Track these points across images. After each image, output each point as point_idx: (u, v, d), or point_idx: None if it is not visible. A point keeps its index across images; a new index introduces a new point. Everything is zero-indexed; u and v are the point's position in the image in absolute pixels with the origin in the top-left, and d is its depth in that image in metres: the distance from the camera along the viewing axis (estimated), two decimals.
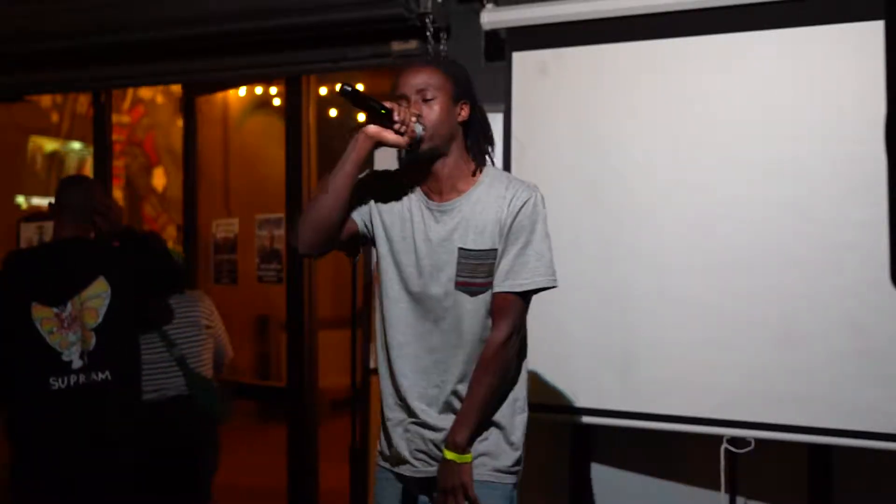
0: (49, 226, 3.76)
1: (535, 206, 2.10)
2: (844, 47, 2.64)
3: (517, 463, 2.15)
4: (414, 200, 2.17)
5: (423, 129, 2.08)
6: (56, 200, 2.92)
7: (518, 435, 2.16)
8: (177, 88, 6.97)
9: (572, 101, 2.96)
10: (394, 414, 2.19)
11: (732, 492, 2.88)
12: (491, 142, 2.21)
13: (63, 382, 2.74)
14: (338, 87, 2.05)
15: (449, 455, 2.07)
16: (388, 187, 2.20)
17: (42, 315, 2.76)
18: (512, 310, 2.10)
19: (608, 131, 2.91)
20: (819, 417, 2.62)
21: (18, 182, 5.96)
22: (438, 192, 2.15)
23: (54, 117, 6.47)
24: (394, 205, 2.19)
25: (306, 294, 4.12)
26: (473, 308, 2.11)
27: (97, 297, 2.82)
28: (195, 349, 3.29)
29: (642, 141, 2.87)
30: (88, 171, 5.37)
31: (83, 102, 6.29)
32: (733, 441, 2.76)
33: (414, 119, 2.06)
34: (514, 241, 2.08)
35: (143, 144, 7.20)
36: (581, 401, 2.90)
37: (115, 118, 4.96)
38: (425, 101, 2.10)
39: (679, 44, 2.83)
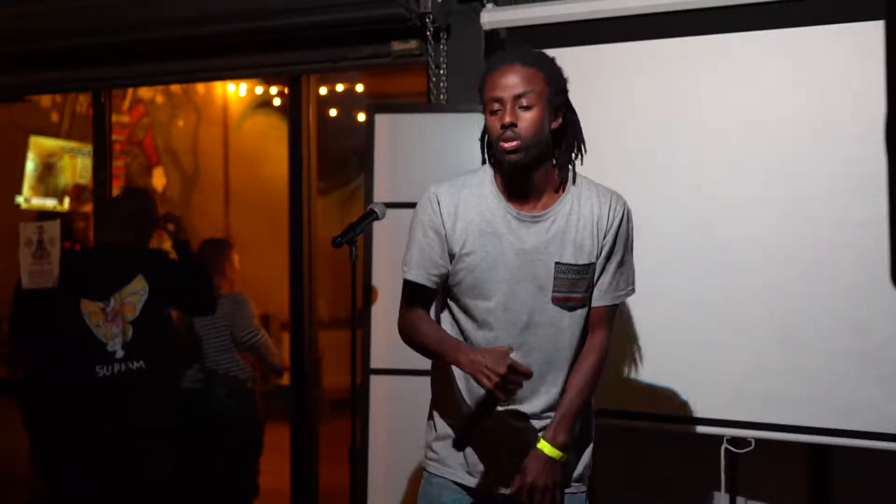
0: (48, 226, 4.21)
1: (629, 218, 2.11)
2: (844, 47, 2.64)
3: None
4: (497, 213, 2.05)
5: (510, 140, 1.97)
6: (107, 207, 3.38)
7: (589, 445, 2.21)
8: (176, 88, 6.98)
9: (572, 101, 2.95)
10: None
11: (732, 492, 2.88)
12: (581, 151, 2.12)
13: (107, 370, 3.10)
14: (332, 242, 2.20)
15: (548, 450, 2.02)
16: (462, 205, 2.07)
17: (90, 309, 3.13)
18: (611, 319, 2.13)
19: (608, 131, 2.91)
20: (819, 417, 2.62)
21: (18, 182, 5.96)
22: (528, 202, 2.06)
23: (54, 117, 6.46)
24: (473, 223, 2.06)
25: (307, 293, 4.12)
26: (572, 323, 2.08)
27: (135, 293, 3.17)
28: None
29: (642, 141, 2.87)
30: (88, 170, 5.37)
31: (83, 102, 6.28)
32: (733, 441, 2.76)
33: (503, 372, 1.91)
34: (616, 255, 2.08)
35: (142, 144, 7.19)
36: None
37: (115, 118, 4.95)
38: (522, 108, 1.98)
39: (679, 44, 2.83)
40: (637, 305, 2.85)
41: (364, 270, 3.41)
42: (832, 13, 2.65)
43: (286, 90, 4.19)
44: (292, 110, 4.06)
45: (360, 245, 2.83)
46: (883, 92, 2.57)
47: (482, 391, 2.04)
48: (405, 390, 3.15)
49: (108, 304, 3.15)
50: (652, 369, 2.82)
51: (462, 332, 2.13)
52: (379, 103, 5.07)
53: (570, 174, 2.10)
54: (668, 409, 2.81)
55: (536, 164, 2.03)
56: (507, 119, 1.97)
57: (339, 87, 5.24)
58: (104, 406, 3.07)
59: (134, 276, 3.15)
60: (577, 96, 2.97)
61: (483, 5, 3.16)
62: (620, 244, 2.08)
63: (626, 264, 2.11)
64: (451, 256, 2.08)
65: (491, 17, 3.10)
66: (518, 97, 1.98)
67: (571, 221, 2.05)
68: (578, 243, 2.04)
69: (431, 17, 3.29)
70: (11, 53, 4.08)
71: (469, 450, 2.14)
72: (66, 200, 5.84)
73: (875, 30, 2.58)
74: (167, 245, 3.62)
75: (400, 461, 3.15)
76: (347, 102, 5.85)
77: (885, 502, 2.82)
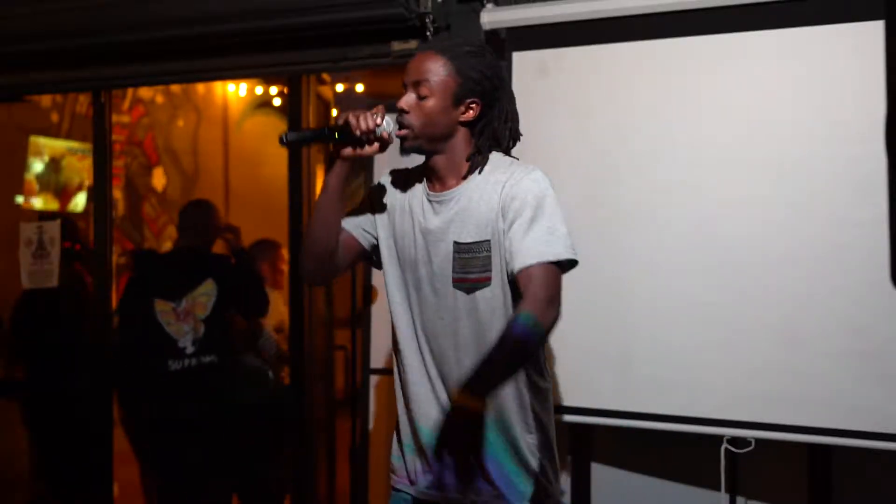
0: (48, 226, 4.40)
1: (536, 182, 1.93)
2: (844, 47, 2.64)
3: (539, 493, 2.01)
4: (418, 191, 2.05)
5: (407, 129, 1.94)
6: (179, 216, 3.78)
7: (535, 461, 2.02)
8: (176, 88, 6.98)
9: (572, 101, 2.96)
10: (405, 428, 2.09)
11: (732, 492, 2.88)
12: (507, 141, 2.05)
13: (178, 365, 3.50)
14: (281, 140, 2.00)
15: (457, 398, 1.73)
16: (397, 184, 2.10)
17: (162, 309, 3.53)
18: (536, 278, 1.85)
19: (608, 131, 2.91)
20: (819, 417, 2.62)
21: (19, 182, 5.96)
22: (439, 182, 2.03)
23: (54, 117, 6.46)
24: (398, 200, 2.08)
25: (307, 293, 4.12)
26: (469, 307, 1.97)
27: (206, 294, 3.56)
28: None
29: (642, 141, 2.87)
30: (88, 170, 5.37)
31: (83, 102, 6.28)
32: (733, 441, 2.76)
33: (380, 122, 1.92)
34: (518, 219, 1.90)
35: (142, 144, 7.19)
36: (581, 401, 2.90)
37: (115, 118, 4.95)
38: (419, 97, 1.97)
39: (679, 44, 2.83)
40: (637, 305, 2.85)
41: (364, 270, 3.41)
42: (832, 13, 2.65)
43: (286, 90, 4.19)
44: (292, 110, 4.06)
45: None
46: (883, 92, 2.56)
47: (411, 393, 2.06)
48: None
49: (180, 304, 3.54)
50: (652, 369, 2.82)
51: (391, 313, 2.13)
52: (379, 103, 5.06)
53: (480, 161, 2.01)
54: (668, 409, 2.81)
55: (436, 152, 2.01)
56: (399, 103, 1.98)
57: (339, 88, 5.23)
58: (178, 396, 3.46)
59: (205, 279, 3.55)
60: (578, 96, 2.99)
61: (483, 5, 3.16)
62: (523, 208, 1.90)
63: (541, 227, 1.89)
64: (377, 230, 2.13)
65: (491, 17, 3.10)
66: (416, 84, 1.98)
67: (474, 198, 1.97)
68: (478, 222, 1.96)
69: (431, 17, 3.29)
70: (11, 53, 4.08)
71: (409, 458, 2.10)
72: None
73: (875, 30, 2.58)
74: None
75: None
76: (347, 102, 5.84)
77: (885, 502, 2.82)
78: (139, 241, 6.88)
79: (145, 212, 7.21)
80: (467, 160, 2.02)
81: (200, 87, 7.17)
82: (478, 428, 1.69)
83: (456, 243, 1.98)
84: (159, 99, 7.15)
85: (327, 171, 2.02)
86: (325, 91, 4.83)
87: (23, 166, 5.94)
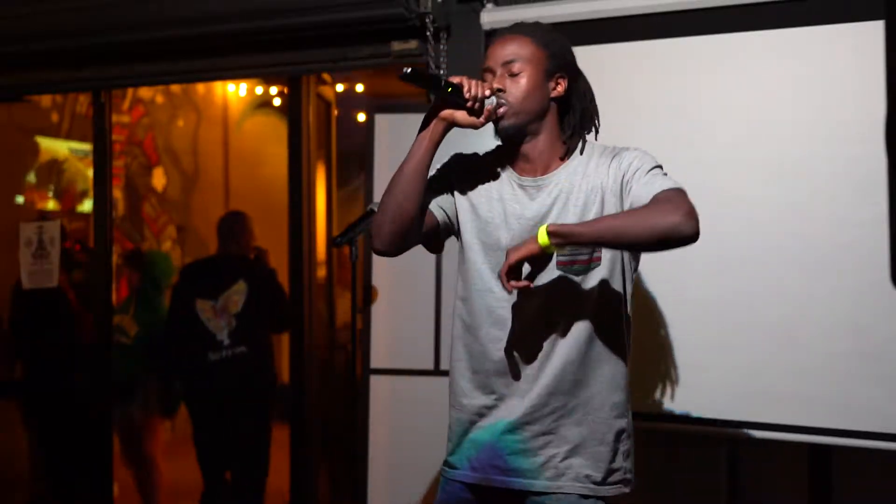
0: (48, 226, 4.50)
1: (646, 153, 1.93)
2: (844, 47, 2.64)
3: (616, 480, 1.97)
4: (504, 179, 2.00)
5: (505, 105, 1.91)
6: (218, 226, 4.25)
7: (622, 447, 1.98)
8: (176, 88, 6.98)
9: None
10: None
11: (732, 492, 2.88)
12: (592, 120, 2.03)
13: (217, 356, 4.00)
14: (403, 72, 1.85)
15: (541, 236, 1.80)
16: (475, 169, 2.03)
17: (203, 307, 4.04)
18: (673, 195, 1.85)
19: (608, 131, 2.89)
20: (819, 417, 2.62)
21: (19, 182, 5.96)
22: (532, 170, 1.98)
23: (54, 117, 6.47)
24: (481, 187, 2.01)
25: (307, 293, 4.12)
26: (581, 290, 1.91)
27: (238, 293, 4.05)
28: None
29: (641, 140, 2.84)
30: (87, 169, 5.37)
31: (83, 102, 6.28)
32: (733, 441, 2.76)
33: (489, 94, 1.88)
34: (638, 172, 1.90)
35: (142, 144, 7.19)
36: None
37: (115, 118, 4.95)
38: (511, 75, 1.93)
39: (679, 44, 2.83)
40: (636, 305, 2.84)
41: (364, 270, 3.41)
42: (832, 13, 2.65)
43: (286, 90, 4.20)
44: (292, 110, 4.06)
45: (361, 245, 2.83)
46: (883, 92, 2.56)
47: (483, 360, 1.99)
48: (405, 390, 3.16)
49: (217, 302, 4.03)
50: (652, 369, 2.82)
51: (465, 304, 2.06)
52: (379, 103, 5.07)
53: (580, 143, 2.00)
54: (669, 408, 2.81)
55: (535, 133, 1.97)
56: (494, 85, 1.93)
57: (340, 88, 5.24)
58: (216, 382, 3.98)
59: (237, 280, 4.03)
60: None
61: (483, 5, 3.16)
62: (645, 163, 1.92)
63: (656, 175, 1.90)
64: (457, 212, 2.06)
65: (491, 17, 3.10)
66: (506, 64, 1.94)
67: (576, 179, 1.95)
68: (583, 202, 1.93)
69: (431, 17, 3.29)
70: (11, 53, 4.08)
71: (472, 442, 2.02)
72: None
73: (875, 30, 2.58)
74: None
75: (400, 461, 3.16)
76: (348, 102, 5.85)
77: (885, 502, 2.82)
78: (139, 241, 6.88)
79: (145, 212, 7.21)
80: (563, 142, 2.00)
81: (200, 87, 7.16)
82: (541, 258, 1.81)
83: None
84: (159, 99, 7.15)
85: (421, 130, 1.94)
86: (328, 91, 4.84)
87: (23, 166, 5.94)
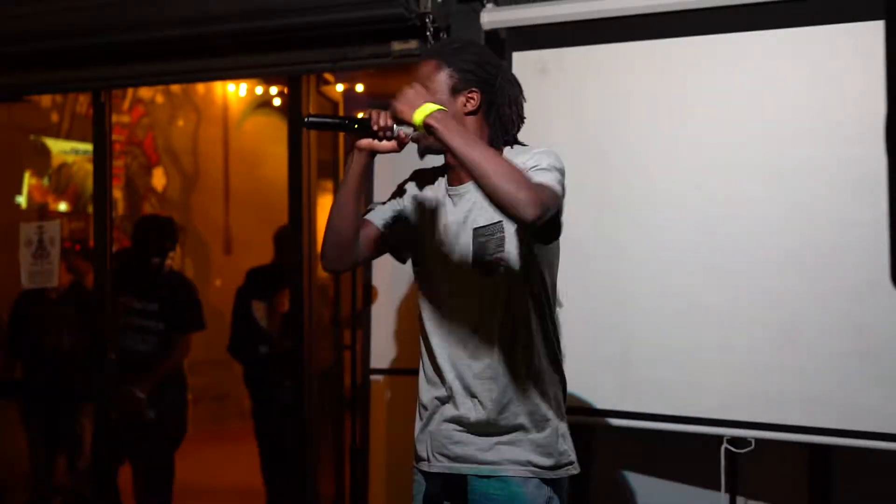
0: (48, 226, 4.54)
1: (549, 153, 1.99)
2: (844, 47, 2.64)
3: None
4: (441, 187, 2.15)
5: (414, 128, 1.98)
6: (275, 238, 4.68)
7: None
8: (176, 88, 6.98)
9: (572, 101, 2.96)
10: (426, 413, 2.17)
11: (732, 492, 2.88)
12: (509, 127, 2.09)
13: (265, 349, 4.50)
14: (305, 121, 2.05)
15: (419, 112, 1.90)
16: (424, 181, 2.19)
17: (257, 307, 4.55)
18: (542, 181, 1.90)
19: (608, 131, 2.91)
20: (819, 417, 2.62)
21: (19, 182, 5.96)
22: (458, 177, 2.10)
23: (54, 117, 6.48)
24: (424, 196, 2.17)
25: (307, 293, 4.12)
26: (491, 288, 2.04)
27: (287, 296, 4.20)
28: None
29: (642, 141, 2.87)
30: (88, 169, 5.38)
31: (83, 102, 6.29)
32: (733, 441, 2.76)
33: (392, 123, 1.99)
34: (528, 173, 1.92)
35: (142, 144, 7.20)
36: (581, 401, 2.90)
37: (115, 118, 4.95)
38: None
39: (679, 44, 2.83)
40: (637, 305, 2.85)
41: (364, 270, 3.42)
42: (832, 13, 2.65)
43: (286, 90, 4.19)
44: (292, 110, 4.06)
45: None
46: (883, 92, 2.56)
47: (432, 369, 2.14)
48: (405, 390, 3.16)
49: (271, 303, 4.51)
50: (652, 369, 2.82)
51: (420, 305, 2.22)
52: (379, 103, 5.06)
53: (498, 148, 2.06)
54: (668, 409, 2.81)
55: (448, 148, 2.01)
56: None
57: (339, 87, 5.23)
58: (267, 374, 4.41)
59: (285, 286, 4.21)
60: (578, 96, 3.00)
61: (483, 5, 3.16)
62: (534, 162, 1.96)
63: (546, 171, 1.95)
64: (402, 223, 2.22)
65: (491, 17, 3.10)
66: None
67: None
68: (491, 209, 1.97)
69: (431, 17, 3.29)
70: (11, 53, 4.08)
71: (428, 431, 2.17)
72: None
73: (875, 30, 2.58)
74: None
75: (400, 461, 3.16)
76: (348, 102, 5.85)
77: (885, 502, 2.82)
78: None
79: (145, 212, 7.21)
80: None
81: (200, 87, 7.17)
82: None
83: (475, 229, 2.06)
84: (159, 99, 7.16)
85: (346, 162, 2.10)
86: (332, 91, 4.83)
87: (23, 166, 5.95)
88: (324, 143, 4.75)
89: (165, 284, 4.44)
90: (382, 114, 1.99)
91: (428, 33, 3.31)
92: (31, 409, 4.72)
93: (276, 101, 6.99)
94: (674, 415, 2.80)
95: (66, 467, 4.73)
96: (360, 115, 2.01)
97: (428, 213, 2.15)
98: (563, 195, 1.97)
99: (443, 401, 2.13)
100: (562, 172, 1.99)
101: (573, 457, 2.16)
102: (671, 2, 2.81)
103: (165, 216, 4.88)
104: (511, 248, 2.04)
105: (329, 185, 5.03)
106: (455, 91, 2.05)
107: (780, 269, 2.68)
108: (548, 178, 1.93)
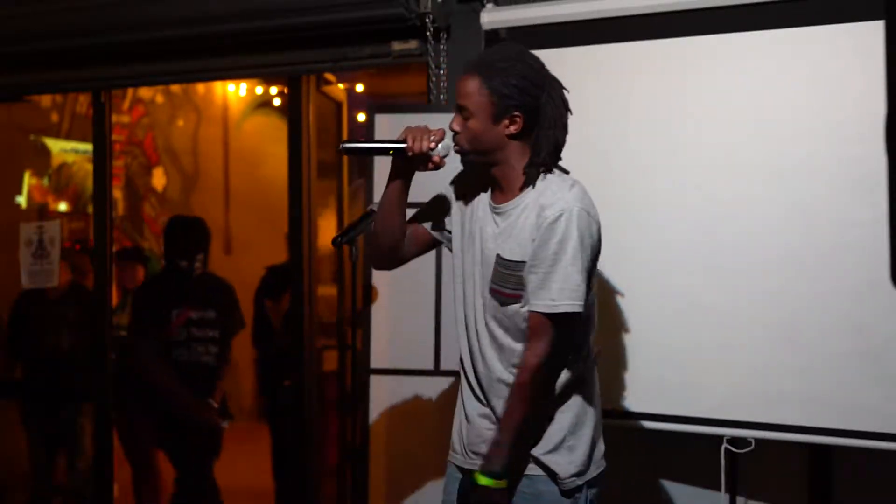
0: (48, 226, 4.52)
1: (567, 222, 2.00)
2: (844, 47, 2.64)
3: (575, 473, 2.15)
4: (483, 198, 2.17)
5: (454, 146, 2.07)
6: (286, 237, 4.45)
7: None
8: (176, 88, 6.97)
9: (572, 101, 2.94)
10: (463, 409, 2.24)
11: (732, 492, 2.88)
12: (551, 149, 2.11)
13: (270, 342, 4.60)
14: (341, 147, 2.17)
15: (483, 481, 2.03)
16: (469, 187, 2.21)
17: (269, 305, 4.66)
18: (542, 331, 2.02)
19: (608, 131, 2.91)
20: (819, 417, 2.62)
21: (18, 182, 5.96)
22: (500, 192, 2.14)
23: (54, 117, 6.47)
24: (469, 202, 2.20)
25: (307, 293, 4.12)
26: (503, 318, 2.10)
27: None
28: None
29: (642, 141, 2.86)
30: (88, 170, 5.38)
31: (83, 102, 6.28)
32: (733, 441, 2.76)
33: (433, 145, 2.06)
34: (543, 258, 2.01)
35: (142, 144, 7.20)
36: None
37: (115, 118, 4.95)
38: (465, 118, 2.07)
39: (679, 44, 2.83)
40: (637, 305, 2.85)
41: (364, 270, 3.41)
42: (832, 13, 2.65)
43: (286, 90, 4.20)
44: (292, 110, 4.06)
45: (360, 245, 2.83)
46: (883, 92, 2.56)
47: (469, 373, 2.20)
48: (405, 390, 3.16)
49: (277, 302, 4.59)
50: (652, 369, 2.82)
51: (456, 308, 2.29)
52: (379, 103, 5.07)
53: (535, 175, 2.09)
54: (668, 409, 2.81)
55: (492, 165, 2.11)
56: (450, 125, 2.10)
57: (339, 87, 5.24)
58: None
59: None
60: (577, 96, 2.98)
61: (483, 5, 3.16)
62: (548, 248, 2.01)
63: (557, 273, 2.00)
64: (450, 225, 2.29)
65: (491, 17, 3.10)
66: (461, 108, 2.08)
67: (521, 218, 2.08)
68: (521, 240, 2.06)
69: (431, 17, 3.29)
70: (11, 53, 4.08)
71: (465, 427, 2.21)
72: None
73: (875, 30, 2.58)
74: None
75: (400, 461, 3.16)
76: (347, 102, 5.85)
77: (885, 502, 2.82)
78: (139, 241, 6.88)
79: (145, 212, 7.21)
80: (524, 172, 2.10)
81: (200, 87, 7.16)
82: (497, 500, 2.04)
83: (499, 256, 2.09)
84: (159, 99, 7.15)
85: (389, 178, 2.17)
86: (337, 91, 4.82)
87: (23, 166, 5.95)
88: (323, 144, 4.75)
89: (211, 289, 4.25)
90: (418, 137, 2.05)
91: (428, 33, 3.31)
92: (31, 409, 4.72)
93: (276, 101, 6.99)
94: (674, 415, 2.80)
95: (66, 467, 4.73)
96: (397, 142, 2.08)
97: (474, 222, 2.17)
98: (573, 288, 2.02)
99: (477, 398, 2.19)
100: (572, 242, 2.01)
101: (595, 461, 2.23)
102: (671, 2, 2.81)
103: (193, 217, 4.66)
104: (518, 286, 2.08)
105: (329, 184, 5.03)
106: (497, 117, 2.05)
107: (780, 269, 2.68)
108: (546, 299, 2.02)
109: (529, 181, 2.09)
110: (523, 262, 2.05)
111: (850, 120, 2.61)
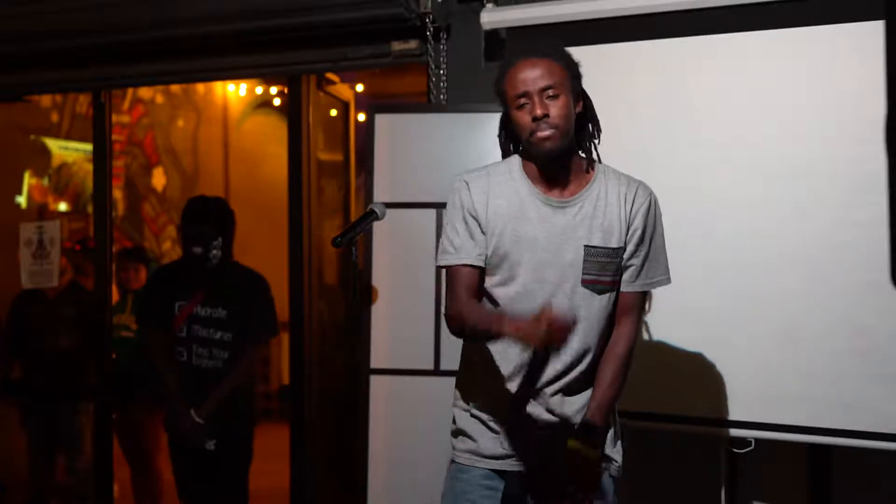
0: (48, 226, 4.48)
1: (655, 205, 2.13)
2: (844, 47, 2.64)
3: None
4: (526, 200, 2.10)
5: (546, 130, 2.03)
6: None
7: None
8: (176, 88, 6.98)
9: None
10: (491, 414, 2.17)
11: (732, 492, 2.88)
12: (599, 133, 2.19)
13: None
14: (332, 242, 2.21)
15: (579, 447, 2.02)
16: (493, 193, 2.12)
17: None
18: (639, 307, 2.15)
19: (608, 131, 2.89)
20: (819, 417, 2.62)
21: (18, 182, 5.96)
22: (557, 187, 2.10)
23: (54, 117, 6.47)
24: (502, 208, 2.10)
25: (307, 293, 4.12)
26: (600, 307, 2.10)
27: None
28: None
29: (642, 141, 2.86)
30: (88, 169, 5.38)
31: (83, 102, 6.28)
32: (733, 441, 2.76)
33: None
34: (644, 241, 2.10)
35: (142, 144, 7.20)
36: None
37: (115, 118, 4.95)
38: (550, 98, 2.04)
39: (679, 44, 2.83)
40: None
41: (364, 270, 3.41)
42: (832, 13, 2.65)
43: (286, 90, 4.20)
44: (292, 110, 4.06)
45: (360, 245, 2.83)
46: (883, 92, 2.57)
47: (519, 360, 2.10)
48: (405, 390, 3.15)
49: None
50: (652, 369, 2.82)
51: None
52: (379, 103, 5.06)
53: (595, 155, 2.16)
54: (669, 409, 2.81)
55: (569, 150, 2.10)
56: (539, 111, 2.03)
57: (346, 87, 5.24)
58: None
59: None
60: None
61: (483, 5, 3.16)
62: (649, 231, 2.11)
63: (655, 252, 2.13)
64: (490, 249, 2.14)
65: (491, 17, 3.10)
66: (544, 89, 2.04)
67: (599, 207, 2.09)
68: (606, 227, 2.08)
69: (431, 17, 3.29)
70: (11, 53, 4.08)
71: (503, 433, 2.13)
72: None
73: (875, 30, 2.58)
74: None
75: (400, 461, 3.15)
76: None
77: (885, 502, 2.82)
78: (139, 241, 6.88)
79: (145, 212, 7.21)
80: (583, 157, 2.15)
81: (200, 87, 7.16)
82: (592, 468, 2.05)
83: (587, 247, 2.07)
84: (159, 99, 7.15)
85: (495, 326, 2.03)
86: (344, 91, 4.81)
87: (23, 166, 5.94)
88: (332, 143, 4.76)
89: (228, 282, 3.55)
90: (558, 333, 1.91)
91: (428, 33, 3.31)
92: (31, 409, 4.72)
93: (276, 101, 6.99)
94: (674, 415, 2.80)
95: (66, 467, 4.72)
96: (369, 214, 2.24)
97: (518, 225, 2.09)
98: (664, 264, 2.16)
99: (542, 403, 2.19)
100: (661, 219, 2.15)
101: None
102: (671, 2, 2.81)
103: (213, 197, 3.78)
104: (618, 273, 2.12)
105: (330, 183, 5.03)
106: (575, 94, 2.09)
107: (780, 269, 2.68)
108: (652, 277, 2.14)
109: (589, 165, 2.14)
110: (621, 247, 2.08)
111: (850, 120, 2.61)
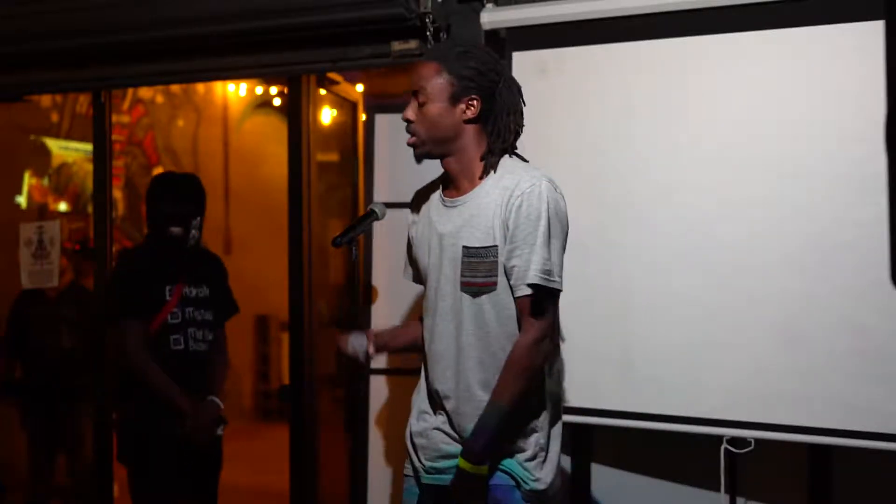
0: (48, 226, 4.45)
1: (539, 198, 1.98)
2: (844, 47, 2.64)
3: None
4: (435, 199, 2.14)
5: (411, 135, 2.07)
6: None
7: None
8: (176, 88, 6.98)
9: (572, 101, 2.96)
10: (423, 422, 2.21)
11: (732, 492, 2.88)
12: (507, 136, 2.08)
13: None
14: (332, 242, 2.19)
15: (463, 465, 1.99)
16: (420, 199, 2.21)
17: None
18: (534, 312, 2.01)
19: (608, 131, 2.91)
20: (819, 417, 2.62)
21: (18, 182, 5.96)
22: (455, 187, 2.10)
23: (54, 117, 6.48)
24: (421, 212, 2.18)
25: (307, 294, 4.12)
26: (477, 310, 2.02)
27: None
28: None
29: (642, 141, 2.87)
30: (88, 170, 5.38)
31: (83, 102, 6.29)
32: (733, 441, 2.76)
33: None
34: (523, 242, 1.98)
35: (142, 144, 7.20)
36: (581, 401, 2.90)
37: (115, 118, 4.95)
38: (420, 105, 2.03)
39: (679, 44, 2.83)
40: (637, 305, 2.85)
41: (364, 270, 3.41)
42: (832, 13, 2.65)
43: (286, 90, 4.20)
44: (292, 110, 4.06)
45: (361, 245, 2.83)
46: (883, 92, 2.56)
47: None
48: (405, 390, 3.15)
49: None
50: (652, 369, 2.82)
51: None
52: (379, 103, 5.06)
53: (493, 162, 2.07)
54: (669, 409, 2.81)
55: (448, 154, 2.07)
56: (404, 115, 2.06)
57: (354, 87, 5.24)
58: None
59: None
60: (577, 96, 2.99)
61: (483, 5, 3.16)
62: (524, 230, 1.98)
63: (543, 248, 1.98)
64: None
65: (491, 17, 3.10)
66: (415, 94, 2.05)
67: (482, 206, 2.04)
68: (486, 227, 2.02)
69: (431, 17, 3.29)
70: (11, 53, 4.07)
71: (418, 442, 2.21)
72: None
73: (875, 30, 2.58)
74: None
75: (400, 461, 3.15)
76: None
77: (885, 502, 2.82)
78: (139, 241, 6.88)
79: (145, 212, 7.21)
80: (481, 160, 2.08)
81: (200, 87, 7.17)
82: (481, 488, 2.01)
83: (465, 247, 2.03)
84: (159, 99, 7.15)
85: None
86: (352, 92, 4.80)
87: (23, 166, 5.94)
88: (339, 144, 4.76)
89: (205, 262, 3.49)
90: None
91: (428, 33, 3.30)
92: (31, 409, 4.72)
93: (276, 101, 6.99)
94: (674, 415, 2.80)
95: (66, 467, 4.73)
96: (368, 214, 2.21)
97: (425, 227, 2.15)
98: (556, 270, 2.01)
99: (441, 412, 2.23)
100: (543, 222, 1.98)
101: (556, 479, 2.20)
102: (671, 2, 2.81)
103: (185, 173, 3.63)
104: (502, 274, 2.03)
105: (330, 182, 5.03)
106: (455, 98, 2.03)
107: (780, 269, 2.68)
108: (532, 274, 1.98)
109: (489, 168, 2.05)
110: (493, 246, 2.01)
111: (850, 120, 2.61)
